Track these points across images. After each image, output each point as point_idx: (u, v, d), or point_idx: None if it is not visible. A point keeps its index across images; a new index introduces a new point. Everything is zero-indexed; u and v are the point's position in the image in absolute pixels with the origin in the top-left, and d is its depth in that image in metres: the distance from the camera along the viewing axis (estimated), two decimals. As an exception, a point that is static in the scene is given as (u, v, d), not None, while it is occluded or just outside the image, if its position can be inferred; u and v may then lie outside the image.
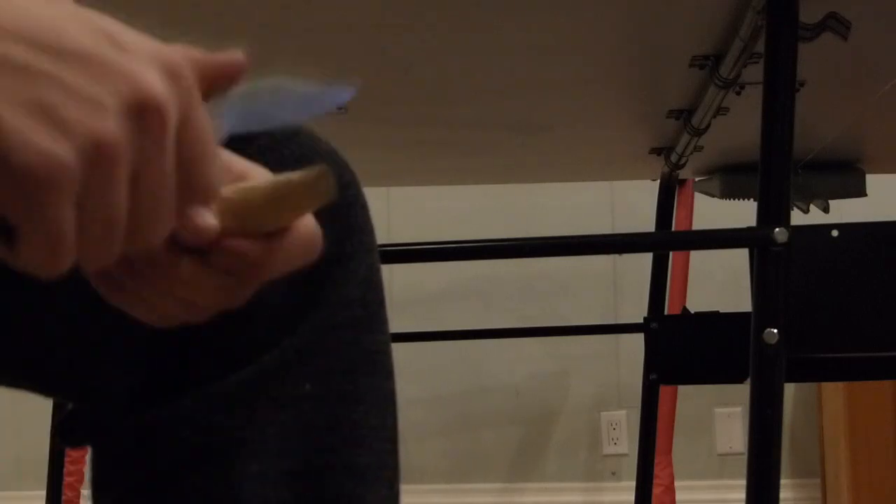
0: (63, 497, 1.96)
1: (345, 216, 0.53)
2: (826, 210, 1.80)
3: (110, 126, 0.35)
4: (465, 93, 1.42)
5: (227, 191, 0.40)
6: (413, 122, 1.57)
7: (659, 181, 1.93)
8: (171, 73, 0.37)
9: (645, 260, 2.04)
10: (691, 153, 1.64)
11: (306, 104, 0.41)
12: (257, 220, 0.40)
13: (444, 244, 1.15)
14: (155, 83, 0.36)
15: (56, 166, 0.34)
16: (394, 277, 2.73)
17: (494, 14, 1.13)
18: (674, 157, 1.70)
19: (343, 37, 1.19)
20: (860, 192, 1.80)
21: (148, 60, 0.36)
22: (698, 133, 1.49)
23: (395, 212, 2.80)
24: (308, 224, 0.42)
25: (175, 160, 0.37)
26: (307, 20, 1.14)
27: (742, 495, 0.96)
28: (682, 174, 1.88)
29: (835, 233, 1.10)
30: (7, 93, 0.33)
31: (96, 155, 0.34)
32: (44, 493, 1.88)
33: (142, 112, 0.35)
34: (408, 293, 2.74)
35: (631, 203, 2.70)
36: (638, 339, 1.87)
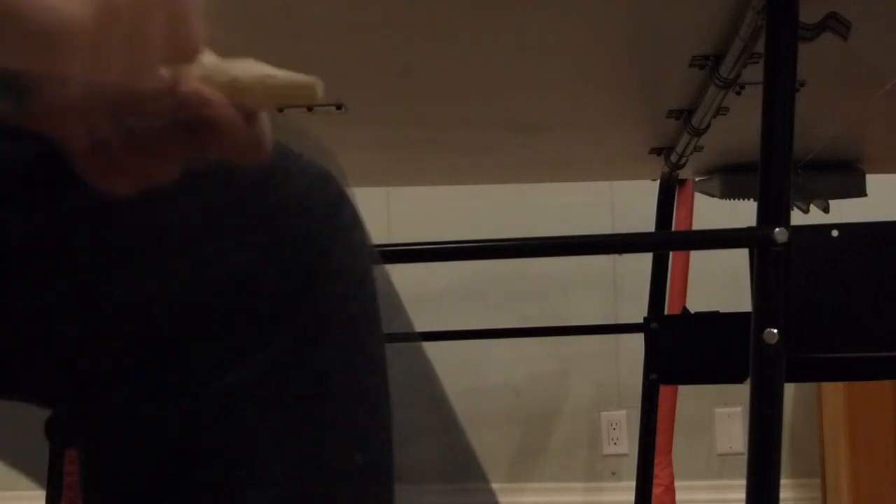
0: (63, 497, 1.96)
1: (335, 212, 0.53)
2: (826, 210, 1.80)
3: None
4: (465, 93, 1.42)
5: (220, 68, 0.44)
6: (413, 122, 1.57)
7: (659, 181, 1.93)
8: None
9: (645, 260, 2.04)
10: (691, 153, 1.64)
11: None
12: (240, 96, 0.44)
13: (444, 244, 1.15)
14: None
15: (75, 25, 0.37)
16: (394, 277, 2.73)
17: (494, 14, 1.13)
18: (674, 157, 1.70)
19: (343, 36, 1.19)
20: (860, 192, 1.80)
21: None
22: (698, 133, 1.48)
23: (395, 212, 2.80)
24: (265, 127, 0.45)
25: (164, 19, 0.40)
26: (307, 20, 1.14)
27: (742, 495, 0.96)
28: (682, 174, 1.88)
29: (835, 233, 1.10)
30: None
31: (107, 14, 0.38)
32: (44, 493, 1.88)
33: None
34: (408, 293, 2.73)
35: (631, 203, 2.70)
36: (638, 339, 1.87)
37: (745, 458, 0.96)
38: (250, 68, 0.44)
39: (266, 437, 0.50)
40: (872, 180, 1.81)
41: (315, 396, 0.51)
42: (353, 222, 0.53)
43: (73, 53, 0.37)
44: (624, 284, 2.76)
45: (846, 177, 1.80)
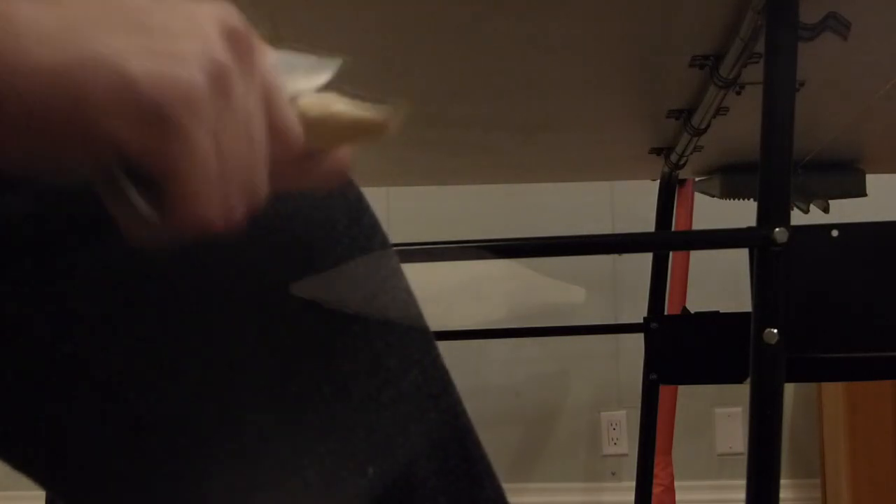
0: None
1: (356, 221, 0.52)
2: (826, 210, 1.80)
3: (218, 48, 0.35)
4: (465, 93, 1.42)
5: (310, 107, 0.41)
6: (413, 122, 1.57)
7: (659, 181, 1.93)
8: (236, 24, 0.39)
9: (645, 260, 2.04)
10: (691, 153, 1.64)
11: (307, 71, 0.43)
12: (321, 140, 0.42)
13: (444, 244, 1.15)
14: (236, 19, 0.38)
15: (187, 88, 0.34)
16: (394, 277, 2.73)
17: (494, 14, 1.13)
18: (674, 157, 1.70)
19: (343, 37, 1.19)
20: (860, 192, 1.80)
21: (214, 20, 0.37)
22: (698, 133, 1.48)
23: (395, 212, 2.80)
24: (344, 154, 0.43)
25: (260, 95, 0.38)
26: (307, 20, 1.14)
27: (742, 495, 0.96)
28: (682, 174, 1.88)
29: (835, 233, 1.09)
30: (121, 46, 0.33)
31: (217, 74, 0.35)
32: (43, 493, 1.88)
33: (233, 37, 0.37)
34: (408, 293, 2.73)
35: (631, 203, 2.70)
36: (638, 339, 1.87)
37: (745, 458, 0.96)
38: (314, 103, 0.41)
39: (280, 447, 0.49)
40: (872, 180, 1.81)
41: (331, 407, 0.50)
42: (373, 230, 0.53)
43: (197, 118, 0.34)
44: (624, 284, 2.76)
45: (846, 177, 1.80)
